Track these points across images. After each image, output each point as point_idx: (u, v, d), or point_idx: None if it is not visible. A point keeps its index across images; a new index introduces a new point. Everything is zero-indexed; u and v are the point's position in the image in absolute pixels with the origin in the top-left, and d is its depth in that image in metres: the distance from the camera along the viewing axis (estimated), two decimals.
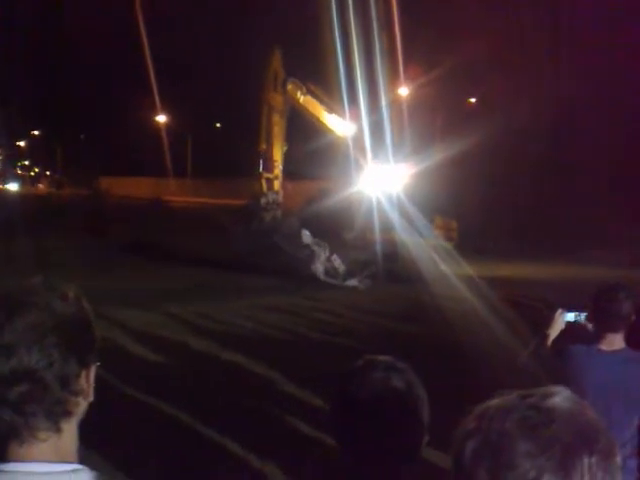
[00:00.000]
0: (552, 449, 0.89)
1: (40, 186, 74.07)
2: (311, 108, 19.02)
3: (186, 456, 5.98)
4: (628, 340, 3.52)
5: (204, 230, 22.82)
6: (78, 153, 69.17)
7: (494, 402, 0.97)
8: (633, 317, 3.48)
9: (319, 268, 17.12)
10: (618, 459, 0.93)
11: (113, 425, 5.98)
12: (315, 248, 17.41)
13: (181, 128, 59.20)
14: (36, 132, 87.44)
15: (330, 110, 18.94)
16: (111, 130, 66.75)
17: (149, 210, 35.26)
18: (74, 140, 76.60)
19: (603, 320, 3.51)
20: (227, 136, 56.76)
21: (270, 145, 19.64)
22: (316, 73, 19.78)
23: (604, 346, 3.48)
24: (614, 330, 3.47)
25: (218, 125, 66.52)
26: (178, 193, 52.96)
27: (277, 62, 19.28)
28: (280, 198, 20.01)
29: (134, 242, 22.22)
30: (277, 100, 19.21)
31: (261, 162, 19.87)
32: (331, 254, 17.47)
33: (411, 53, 31.62)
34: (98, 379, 1.38)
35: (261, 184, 19.86)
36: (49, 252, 18.32)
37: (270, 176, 19.87)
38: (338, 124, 19.09)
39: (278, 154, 19.80)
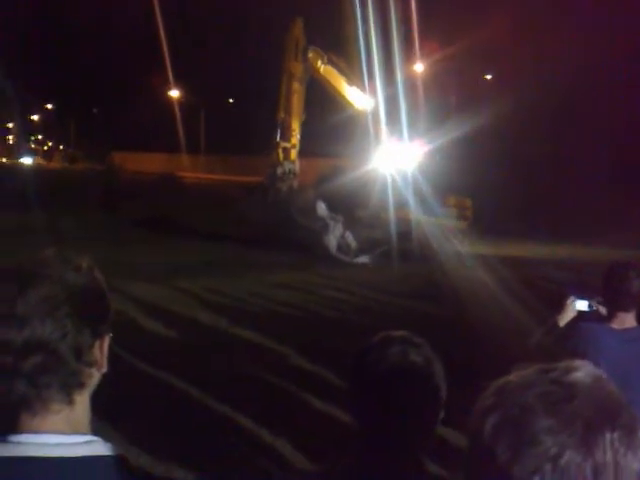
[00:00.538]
0: (574, 425, 0.88)
1: (37, 158, 72.36)
2: (331, 79, 18.85)
3: (196, 430, 6.03)
4: (639, 319, 3.52)
5: (217, 206, 22.86)
6: (91, 128, 69.25)
7: (514, 377, 0.95)
8: None
9: (332, 241, 17.06)
10: None
11: (123, 398, 6.04)
12: (330, 222, 17.37)
13: (194, 103, 59.05)
14: (49, 106, 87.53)
15: (350, 82, 18.73)
16: (124, 105, 66.72)
17: (162, 186, 35.30)
18: (87, 114, 76.67)
19: (614, 299, 3.51)
20: (240, 111, 56.64)
21: (288, 114, 19.61)
22: (337, 45, 19.58)
23: (615, 325, 3.48)
24: (625, 309, 3.47)
25: (231, 100, 66.32)
26: (191, 169, 52.97)
27: (299, 30, 19.17)
28: (297, 168, 20.02)
29: (147, 217, 22.28)
30: (297, 68, 19.13)
31: (279, 131, 19.87)
32: (344, 231, 17.44)
33: (427, 29, 31.32)
34: (109, 352, 1.38)
35: (278, 153, 19.87)
36: (62, 226, 18.40)
37: (287, 145, 19.88)
38: (358, 97, 18.88)
39: (296, 123, 19.79)
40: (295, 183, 19.97)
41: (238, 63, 55.76)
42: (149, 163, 56.86)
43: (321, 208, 17.64)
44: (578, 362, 0.95)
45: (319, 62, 18.76)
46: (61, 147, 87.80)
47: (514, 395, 0.92)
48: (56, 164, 69.74)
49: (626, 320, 3.48)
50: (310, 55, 18.84)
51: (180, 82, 57.06)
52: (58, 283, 1.27)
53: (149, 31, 44.62)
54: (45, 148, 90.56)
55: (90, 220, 21.86)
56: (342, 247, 17.15)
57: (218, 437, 5.92)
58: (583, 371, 0.94)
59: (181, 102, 58.99)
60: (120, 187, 30.22)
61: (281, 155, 19.81)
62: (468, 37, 31.87)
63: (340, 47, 19.33)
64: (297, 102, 19.54)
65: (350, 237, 17.34)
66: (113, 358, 1.38)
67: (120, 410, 5.69)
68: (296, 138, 19.94)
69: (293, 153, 20.00)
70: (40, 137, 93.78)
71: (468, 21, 33.40)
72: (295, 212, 17.89)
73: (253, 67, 51.15)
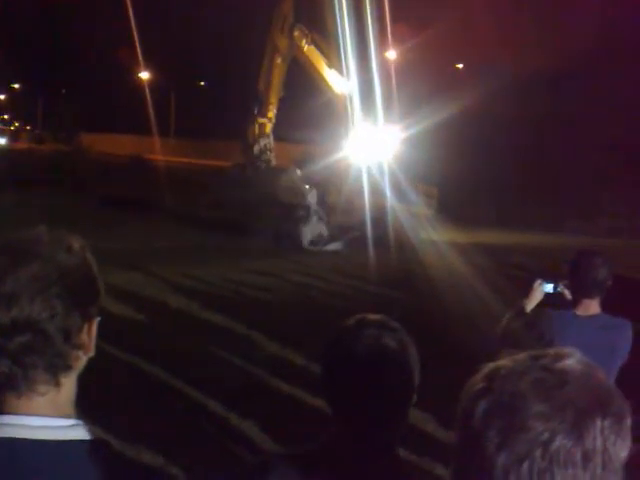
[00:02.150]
0: (566, 411, 0.88)
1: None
2: (313, 59, 18.83)
3: (165, 413, 6.04)
4: (604, 306, 3.58)
5: (187, 190, 22.72)
6: (59, 108, 68.14)
7: (505, 362, 0.95)
8: (609, 283, 3.53)
9: (307, 234, 16.92)
10: (629, 421, 0.93)
11: (92, 382, 5.99)
12: (313, 215, 17.15)
13: (164, 85, 58.41)
14: (16, 85, 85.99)
15: (330, 65, 18.75)
16: (93, 86, 65.80)
17: (132, 168, 34.93)
18: (56, 95, 75.43)
19: (579, 286, 3.57)
20: (211, 95, 56.20)
21: (268, 87, 19.88)
22: (318, 25, 19.57)
23: (580, 311, 3.54)
24: (590, 296, 3.52)
25: (202, 83, 65.73)
26: (161, 152, 52.48)
27: (288, 5, 19.22)
28: (271, 142, 20.24)
29: (117, 200, 21.99)
30: (282, 43, 19.27)
31: (256, 105, 19.96)
32: (320, 223, 17.35)
33: (400, 14, 31.24)
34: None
35: (254, 129, 20.05)
36: (31, 208, 18.11)
37: (264, 120, 20.10)
38: (337, 81, 18.87)
39: (275, 97, 20.06)
40: (272, 158, 20.16)
41: (210, 46, 55.23)
42: (118, 145, 56.13)
43: (312, 195, 17.44)
44: (567, 349, 0.96)
45: (303, 41, 18.80)
46: (28, 127, 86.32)
47: (505, 381, 0.92)
48: (23, 145, 68.53)
49: (590, 307, 3.54)
50: (296, 34, 18.89)
51: (150, 64, 56.38)
52: (49, 262, 1.24)
53: (119, 11, 43.93)
54: (12, 128, 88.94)
55: (59, 202, 21.52)
56: (314, 239, 17.07)
57: (187, 420, 5.94)
58: (573, 358, 0.94)
59: (151, 84, 58.27)
60: (88, 169, 29.83)
61: (257, 130, 20.02)
62: (439, 25, 31.89)
63: (320, 28, 19.32)
64: (277, 77, 19.79)
65: (323, 228, 17.27)
66: None
67: (88, 393, 5.66)
68: (273, 112, 20.25)
69: (268, 127, 20.30)
70: (6, 117, 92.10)
71: (440, 9, 33.37)
72: (279, 189, 17.81)
73: (225, 50, 50.76)
